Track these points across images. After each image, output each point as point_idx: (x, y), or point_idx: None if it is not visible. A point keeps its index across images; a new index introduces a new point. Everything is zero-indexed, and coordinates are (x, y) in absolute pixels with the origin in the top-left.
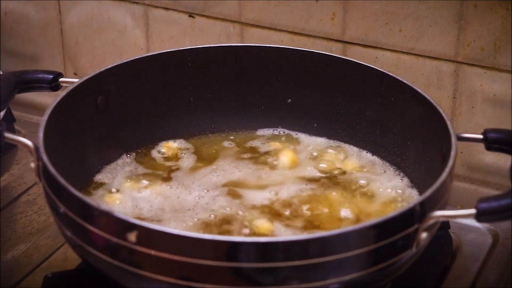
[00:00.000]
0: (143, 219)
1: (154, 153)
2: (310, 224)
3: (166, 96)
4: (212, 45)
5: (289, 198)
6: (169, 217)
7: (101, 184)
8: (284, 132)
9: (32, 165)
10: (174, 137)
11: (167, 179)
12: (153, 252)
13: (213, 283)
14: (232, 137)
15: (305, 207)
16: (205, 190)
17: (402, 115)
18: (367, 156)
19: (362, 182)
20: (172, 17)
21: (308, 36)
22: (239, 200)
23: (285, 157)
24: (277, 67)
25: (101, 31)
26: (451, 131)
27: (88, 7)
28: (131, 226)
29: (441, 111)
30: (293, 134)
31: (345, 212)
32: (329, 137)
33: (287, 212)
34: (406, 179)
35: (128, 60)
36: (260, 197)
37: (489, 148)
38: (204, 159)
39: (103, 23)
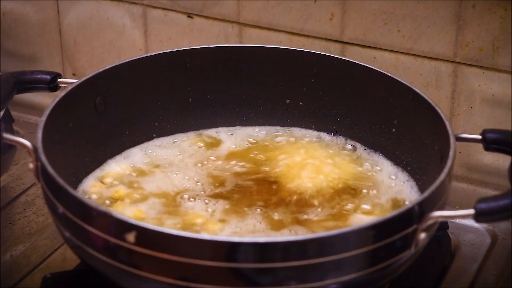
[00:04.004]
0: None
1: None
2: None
3: (164, 97)
4: (210, 46)
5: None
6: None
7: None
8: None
9: (31, 165)
10: (172, 137)
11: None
12: (151, 253)
13: (212, 283)
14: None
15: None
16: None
17: (401, 115)
18: (365, 156)
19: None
20: (171, 17)
21: (306, 37)
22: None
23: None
24: (275, 68)
25: (99, 32)
26: (449, 131)
27: (86, 7)
28: (130, 227)
29: (439, 111)
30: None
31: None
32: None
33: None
34: (404, 179)
35: (126, 60)
36: None
37: (487, 148)
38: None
39: (101, 23)
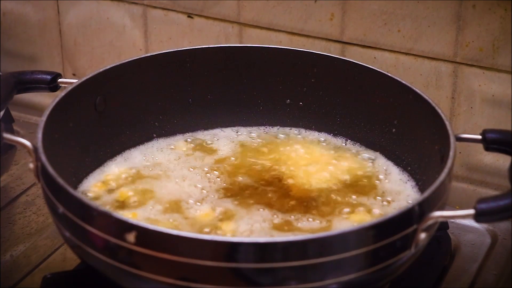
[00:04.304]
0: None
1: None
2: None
3: (164, 97)
4: (210, 46)
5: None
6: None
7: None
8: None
9: (31, 165)
10: (173, 137)
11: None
12: (151, 253)
13: (212, 283)
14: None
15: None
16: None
17: (401, 115)
18: (365, 156)
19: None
20: (171, 17)
21: (306, 37)
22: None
23: None
24: (275, 68)
25: (99, 32)
26: (450, 131)
27: (86, 7)
28: (130, 227)
29: (439, 111)
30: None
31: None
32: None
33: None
34: (404, 179)
35: (126, 60)
36: None
37: (487, 148)
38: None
39: (101, 23)
